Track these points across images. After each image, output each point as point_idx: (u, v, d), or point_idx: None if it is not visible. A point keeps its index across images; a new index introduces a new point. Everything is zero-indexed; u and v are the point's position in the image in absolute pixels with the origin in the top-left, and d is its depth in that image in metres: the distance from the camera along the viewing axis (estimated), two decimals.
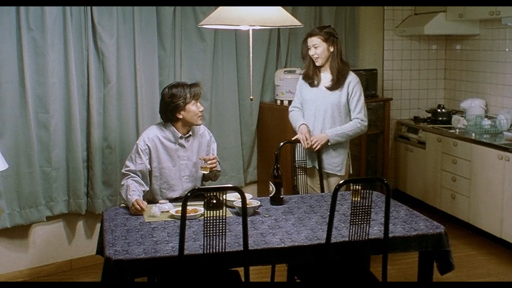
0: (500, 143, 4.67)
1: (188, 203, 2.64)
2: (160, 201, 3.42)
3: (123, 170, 3.55)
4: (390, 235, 2.90)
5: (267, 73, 5.23)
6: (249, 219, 3.05)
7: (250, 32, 3.15)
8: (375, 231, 2.98)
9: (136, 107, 4.54)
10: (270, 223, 3.15)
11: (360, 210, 2.83)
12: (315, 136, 3.99)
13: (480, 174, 4.85)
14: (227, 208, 2.98)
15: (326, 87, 4.00)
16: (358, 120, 4.00)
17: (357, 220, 2.83)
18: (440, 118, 5.62)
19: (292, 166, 4.05)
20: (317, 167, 4.04)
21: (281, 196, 3.50)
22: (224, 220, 2.68)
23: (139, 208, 3.25)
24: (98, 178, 4.41)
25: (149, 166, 3.55)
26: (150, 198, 3.59)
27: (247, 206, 2.81)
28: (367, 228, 2.85)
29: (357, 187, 3.04)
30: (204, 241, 2.68)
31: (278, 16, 2.90)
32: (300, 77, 4.17)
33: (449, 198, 5.24)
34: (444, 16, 5.48)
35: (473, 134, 5.05)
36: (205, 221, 2.66)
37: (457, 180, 5.12)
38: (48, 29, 4.06)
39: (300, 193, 4.00)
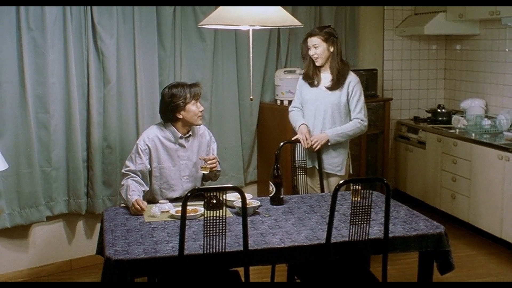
0: (500, 143, 4.67)
1: (188, 203, 2.64)
2: (160, 201, 3.42)
3: (123, 170, 3.55)
4: (390, 235, 2.90)
5: (267, 73, 5.22)
6: (249, 219, 3.05)
7: (250, 32, 3.15)
8: (375, 231, 2.98)
9: (136, 107, 4.54)
10: (270, 223, 3.15)
11: (360, 210, 2.83)
12: (315, 136, 3.98)
13: (480, 174, 4.85)
14: (227, 208, 2.98)
15: (326, 87, 4.00)
16: (358, 120, 4.00)
17: (357, 220, 2.83)
18: (440, 118, 5.62)
19: (292, 166, 4.05)
20: (317, 167, 4.04)
21: (281, 196, 3.50)
22: (224, 220, 2.68)
23: (139, 208, 3.25)
24: (98, 178, 4.41)
25: (149, 166, 3.55)
26: (150, 198, 3.59)
27: (247, 206, 2.81)
28: (367, 228, 2.85)
29: (357, 187, 3.04)
30: (204, 241, 2.68)
31: (278, 16, 2.90)
32: (300, 77, 4.17)
33: (449, 198, 5.24)
34: (444, 16, 5.47)
35: (473, 134, 5.05)
36: (205, 221, 2.66)
37: (457, 180, 5.12)
38: (48, 29, 4.06)
39: (300, 193, 3.99)
